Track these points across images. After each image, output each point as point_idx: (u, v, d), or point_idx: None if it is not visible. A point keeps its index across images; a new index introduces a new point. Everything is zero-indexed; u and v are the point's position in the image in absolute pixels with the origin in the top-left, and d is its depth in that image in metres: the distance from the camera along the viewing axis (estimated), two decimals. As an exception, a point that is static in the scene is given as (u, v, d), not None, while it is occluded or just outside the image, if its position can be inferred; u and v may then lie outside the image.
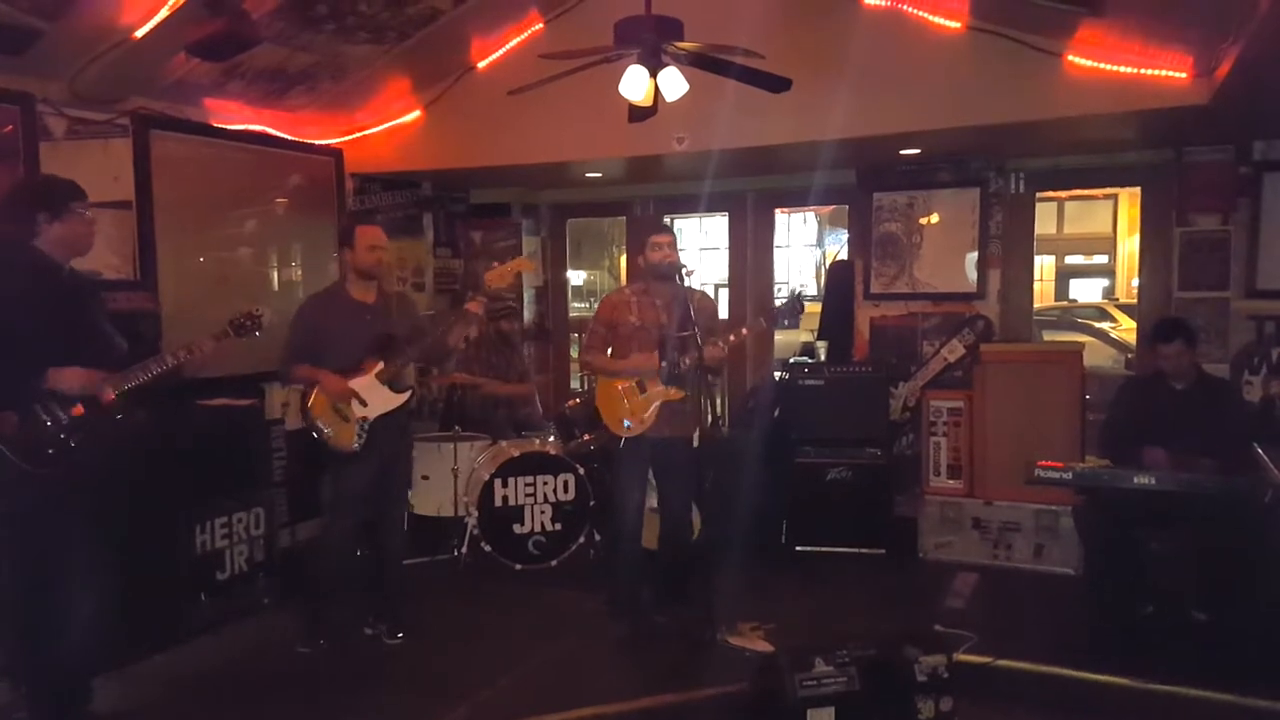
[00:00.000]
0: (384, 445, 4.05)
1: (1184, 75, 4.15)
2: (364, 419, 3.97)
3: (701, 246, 16.06)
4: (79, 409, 3.07)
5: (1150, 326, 4.63)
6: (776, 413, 5.56)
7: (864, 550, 5.34)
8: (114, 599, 3.33)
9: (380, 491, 4.16)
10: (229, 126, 5.22)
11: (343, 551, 4.17)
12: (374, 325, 4.05)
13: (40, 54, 4.07)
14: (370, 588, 4.33)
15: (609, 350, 4.30)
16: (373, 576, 4.32)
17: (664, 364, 4.07)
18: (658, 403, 4.12)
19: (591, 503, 5.24)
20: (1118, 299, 12.89)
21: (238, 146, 5.30)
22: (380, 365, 3.99)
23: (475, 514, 5.12)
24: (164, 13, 3.98)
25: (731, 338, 4.15)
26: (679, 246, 4.24)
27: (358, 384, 3.95)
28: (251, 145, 5.37)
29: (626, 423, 4.14)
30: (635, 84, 3.70)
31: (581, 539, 5.27)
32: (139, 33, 4.07)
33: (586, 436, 5.35)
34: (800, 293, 4.37)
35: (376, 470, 4.07)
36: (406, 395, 4.09)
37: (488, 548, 5.12)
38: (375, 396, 3.99)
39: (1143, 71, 4.23)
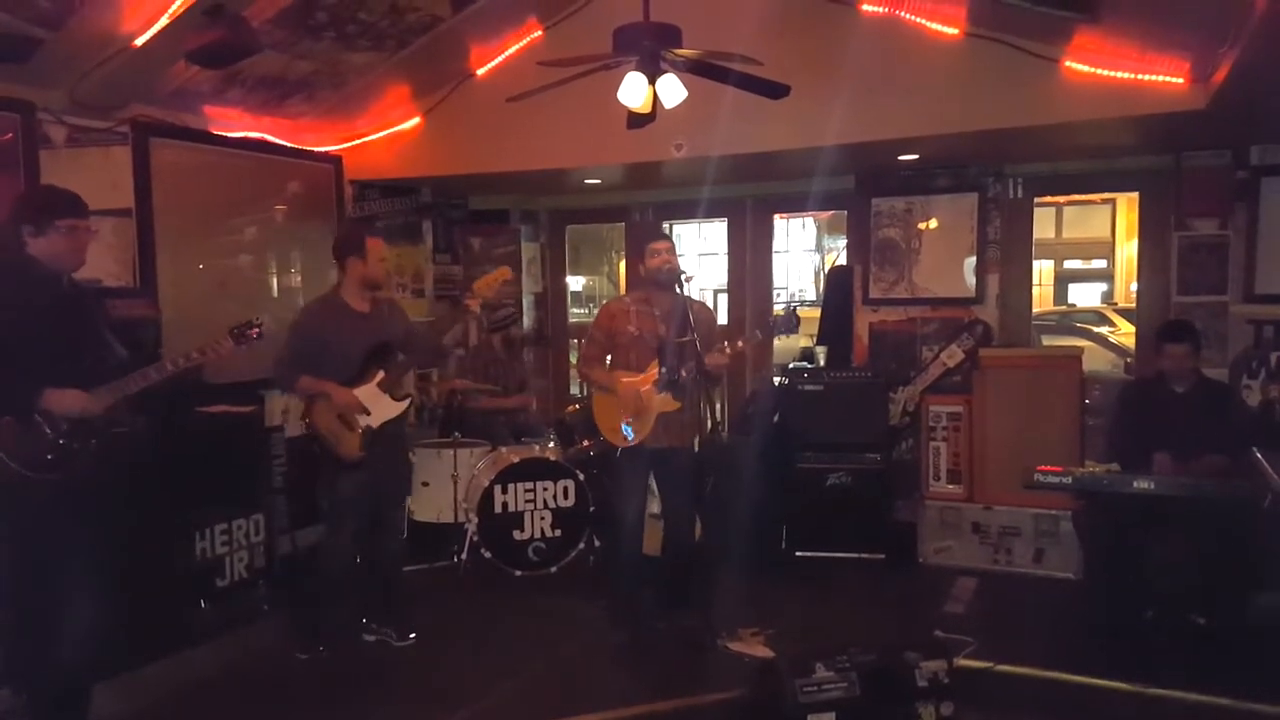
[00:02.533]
0: (384, 453, 4.08)
1: (1181, 81, 4.17)
2: (368, 427, 4.00)
3: (700, 252, 16.06)
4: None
5: (1159, 326, 4.61)
6: (776, 418, 5.56)
7: (864, 555, 5.33)
8: (114, 605, 3.32)
9: (378, 498, 4.18)
10: (228, 134, 5.23)
11: (346, 558, 4.19)
12: (373, 334, 4.07)
13: (41, 62, 4.08)
14: (368, 593, 4.33)
15: (608, 359, 4.30)
16: (369, 582, 4.32)
17: (662, 372, 4.06)
18: (656, 413, 4.11)
19: (591, 509, 5.24)
20: (1116, 303, 12.89)
21: (237, 154, 5.30)
22: (382, 374, 4.02)
23: (475, 520, 5.12)
24: (164, 21, 3.99)
25: (728, 351, 4.04)
26: (678, 252, 4.24)
27: (361, 393, 3.99)
28: (251, 152, 5.38)
29: (627, 432, 4.13)
30: (634, 91, 3.71)
31: (581, 545, 5.27)
32: (139, 41, 4.09)
33: (586, 442, 5.35)
34: (796, 306, 4.35)
35: (374, 477, 4.08)
36: (406, 404, 4.15)
37: (487, 554, 5.12)
38: (378, 405, 4.03)
39: (1140, 77, 4.25)
